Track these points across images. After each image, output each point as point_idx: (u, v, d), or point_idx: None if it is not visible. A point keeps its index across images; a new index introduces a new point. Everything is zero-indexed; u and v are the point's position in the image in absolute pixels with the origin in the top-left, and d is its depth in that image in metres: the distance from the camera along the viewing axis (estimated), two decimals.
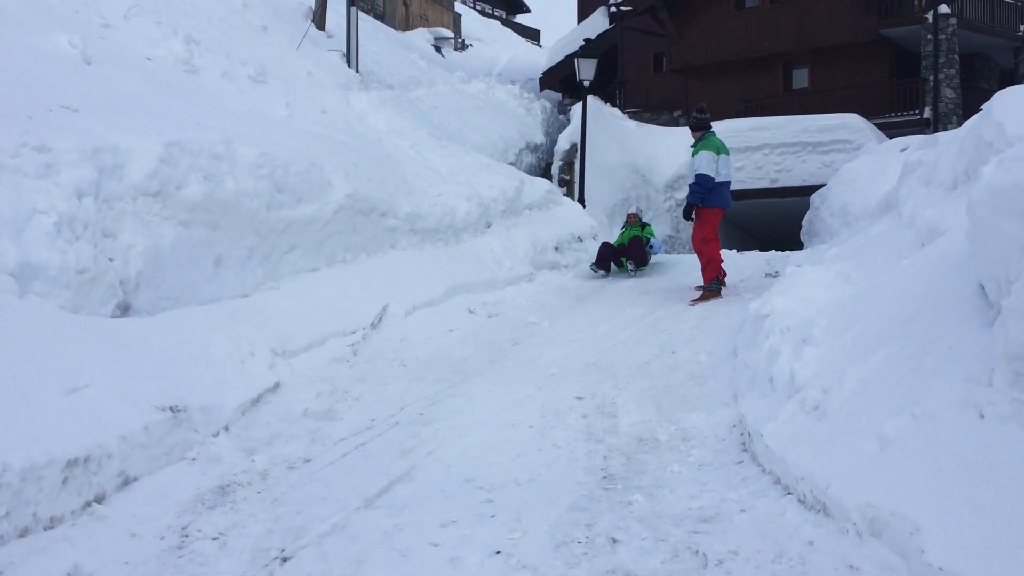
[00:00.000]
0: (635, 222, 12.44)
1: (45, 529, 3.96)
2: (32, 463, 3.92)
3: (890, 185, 9.87)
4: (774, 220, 20.12)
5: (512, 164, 16.82)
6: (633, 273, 11.60)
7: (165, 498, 4.58)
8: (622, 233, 12.31)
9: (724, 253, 13.36)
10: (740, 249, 14.31)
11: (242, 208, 7.34)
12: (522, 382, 6.81)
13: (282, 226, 7.87)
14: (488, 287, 9.88)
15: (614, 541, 3.95)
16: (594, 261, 11.65)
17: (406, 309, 8.43)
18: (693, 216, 9.89)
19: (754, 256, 12.59)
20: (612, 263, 11.76)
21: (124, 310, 6.09)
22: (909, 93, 22.71)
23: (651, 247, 11.97)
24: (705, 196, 9.68)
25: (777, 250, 13.41)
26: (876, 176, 13.75)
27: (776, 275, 9.87)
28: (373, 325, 7.89)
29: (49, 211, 5.54)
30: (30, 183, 5.59)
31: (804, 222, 16.28)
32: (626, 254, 11.74)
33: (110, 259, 6.04)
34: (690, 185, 9.84)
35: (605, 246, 11.80)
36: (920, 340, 4.13)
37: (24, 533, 3.84)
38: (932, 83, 22.10)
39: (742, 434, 5.03)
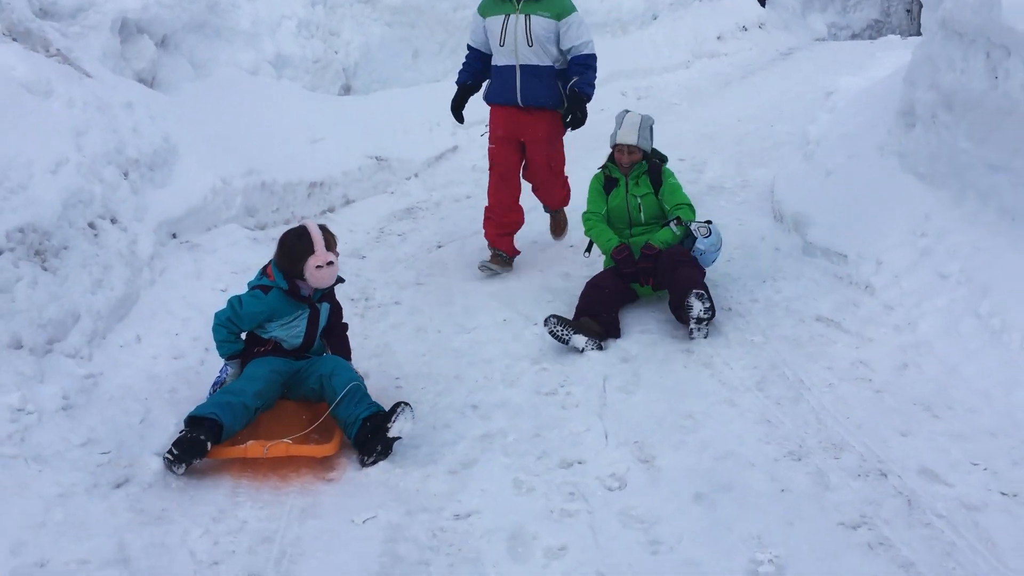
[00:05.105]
0: (634, 164, 4.95)
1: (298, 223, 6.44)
2: (289, 180, 6.38)
3: None
4: None
5: None
6: (699, 329, 4.32)
7: (371, 213, 7.00)
8: (598, 201, 5.10)
9: None
10: None
11: (433, 10, 9.34)
12: None
13: (465, 24, 9.81)
14: (645, 74, 11.44)
15: None
16: (563, 324, 4.41)
17: None
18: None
19: None
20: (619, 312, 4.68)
21: (347, 90, 8.41)
22: None
23: (699, 251, 4.72)
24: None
25: None
26: None
27: None
28: None
29: (292, 16, 7.82)
30: None
31: None
32: (648, 278, 4.77)
33: (335, 52, 8.32)
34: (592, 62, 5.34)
35: (594, 287, 4.72)
36: (887, 103, 5.58)
37: (287, 223, 6.33)
38: None
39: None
